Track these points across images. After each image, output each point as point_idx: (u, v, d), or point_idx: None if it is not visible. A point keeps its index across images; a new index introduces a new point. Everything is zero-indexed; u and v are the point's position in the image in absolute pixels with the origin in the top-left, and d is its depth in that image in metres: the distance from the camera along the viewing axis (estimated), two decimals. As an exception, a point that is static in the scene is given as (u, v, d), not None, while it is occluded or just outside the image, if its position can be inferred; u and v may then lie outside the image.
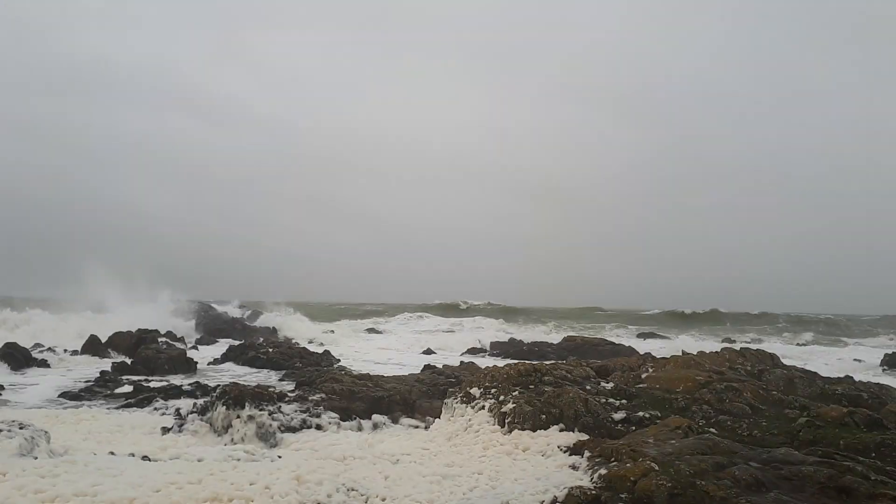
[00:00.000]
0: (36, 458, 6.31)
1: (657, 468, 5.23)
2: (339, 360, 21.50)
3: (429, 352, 26.90)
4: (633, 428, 7.43)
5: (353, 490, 5.54)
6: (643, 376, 9.08)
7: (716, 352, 10.14)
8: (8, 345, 19.11)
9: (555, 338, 32.04)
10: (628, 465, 5.47)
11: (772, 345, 30.85)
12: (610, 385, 8.89)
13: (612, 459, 5.90)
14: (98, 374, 16.99)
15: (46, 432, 7.12)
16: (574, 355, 22.29)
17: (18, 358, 18.56)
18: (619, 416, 7.85)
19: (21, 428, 6.91)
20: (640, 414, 7.78)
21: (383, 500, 5.39)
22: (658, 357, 10.69)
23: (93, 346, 22.17)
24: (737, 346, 10.75)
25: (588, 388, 8.74)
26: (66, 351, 21.94)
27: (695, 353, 10.36)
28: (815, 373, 9.36)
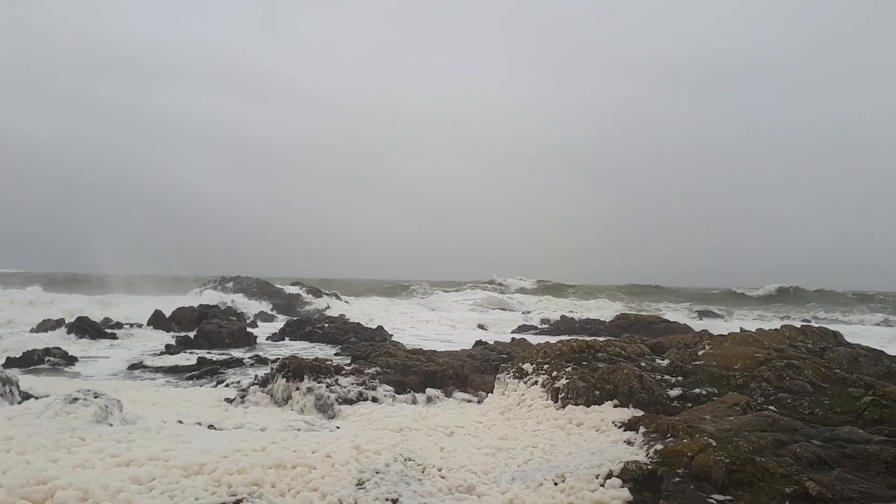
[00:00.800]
0: (111, 425, 6.65)
1: (715, 444, 5.19)
2: (391, 336, 21.84)
3: (480, 327, 27.04)
4: (690, 405, 7.36)
5: (410, 460, 5.67)
6: (699, 353, 8.94)
7: (775, 329, 9.90)
8: (80, 319, 20.10)
9: (607, 315, 31.76)
10: (685, 440, 5.43)
11: (837, 326, 29.86)
12: (665, 362, 8.80)
13: (668, 435, 5.87)
14: (163, 348, 17.73)
15: (119, 401, 7.48)
16: (627, 333, 22.08)
17: (90, 331, 19.51)
18: (674, 392, 7.78)
19: (96, 397, 7.27)
20: (697, 391, 7.69)
21: (440, 469, 5.50)
22: (715, 334, 10.50)
23: (158, 321, 23.10)
24: (797, 324, 10.46)
25: (643, 364, 8.68)
26: (133, 325, 22.91)
27: (753, 330, 10.14)
28: (882, 351, 9.05)
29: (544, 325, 28.30)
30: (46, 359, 14.50)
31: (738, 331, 10.29)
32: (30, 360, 14.21)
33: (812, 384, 7.45)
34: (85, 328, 19.53)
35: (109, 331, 20.49)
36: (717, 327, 23.52)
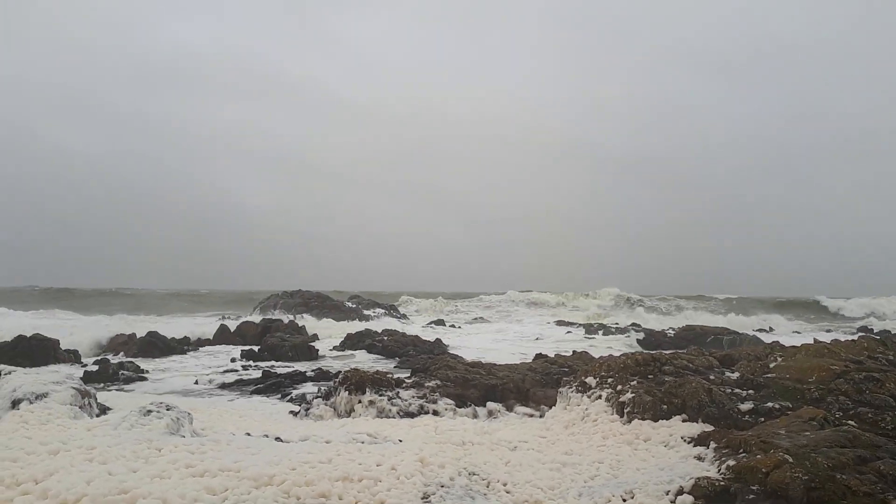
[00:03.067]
0: (183, 436, 6.87)
1: (791, 460, 4.99)
2: (448, 348, 21.87)
3: (538, 339, 26.80)
4: (762, 419, 7.10)
5: (474, 474, 5.65)
6: (771, 365, 8.63)
7: (852, 340, 9.47)
8: (150, 334, 20.86)
9: (665, 323, 31.04)
10: (759, 456, 5.24)
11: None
12: (735, 375, 8.52)
13: (741, 450, 5.68)
14: (229, 361, 18.22)
15: (189, 413, 7.72)
16: (693, 345, 21.49)
17: (159, 346, 20.23)
18: (745, 406, 7.52)
19: (168, 409, 7.53)
20: (770, 405, 7.42)
21: (504, 484, 5.46)
22: (787, 346, 10.12)
23: (223, 336, 23.77)
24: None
25: (711, 377, 8.43)
26: (199, 340, 23.63)
27: (828, 340, 9.73)
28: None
29: (606, 339, 27.83)
30: (120, 373, 15.10)
31: (812, 341, 9.89)
32: (105, 375, 14.82)
33: (895, 398, 7.09)
34: (155, 343, 20.26)
35: (178, 346, 21.18)
36: (787, 338, 22.65)
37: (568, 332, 30.71)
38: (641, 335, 26.55)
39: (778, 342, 13.52)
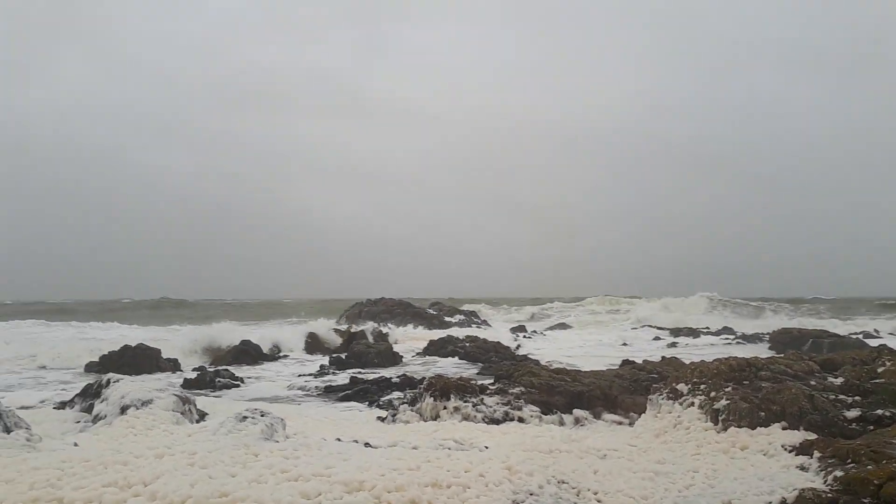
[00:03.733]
0: (277, 441, 7.11)
1: (907, 473, 4.65)
2: (530, 354, 21.69)
3: (624, 345, 26.20)
4: (871, 427, 6.67)
5: (563, 483, 5.57)
6: (879, 370, 8.09)
7: (972, 343, 8.77)
8: (243, 342, 21.75)
9: (759, 327, 29.68)
10: (870, 467, 4.92)
11: None
12: (839, 380, 8.04)
13: (849, 461, 5.35)
14: (318, 368, 18.74)
15: (282, 419, 7.98)
16: (790, 349, 20.45)
17: (252, 354, 21.06)
18: (852, 414, 7.08)
19: (262, 415, 7.81)
20: (879, 412, 6.96)
21: (595, 493, 5.36)
22: (896, 349, 9.48)
23: (312, 344, 24.50)
24: None
25: (812, 383, 7.99)
26: (290, 349, 24.43)
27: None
28: None
29: (697, 343, 26.89)
30: (217, 380, 15.79)
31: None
32: (202, 381, 15.55)
33: None
34: (247, 351, 21.11)
35: (268, 353, 21.98)
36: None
37: (656, 337, 29.82)
38: (734, 339, 25.48)
39: (886, 345, 12.67)
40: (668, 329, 33.83)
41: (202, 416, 9.55)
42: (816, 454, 5.85)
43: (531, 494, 5.16)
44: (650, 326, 36.37)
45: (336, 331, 25.97)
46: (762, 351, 22.05)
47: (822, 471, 5.41)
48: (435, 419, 9.88)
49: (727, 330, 31.79)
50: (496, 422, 9.58)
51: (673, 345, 26.22)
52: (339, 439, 7.83)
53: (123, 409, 8.64)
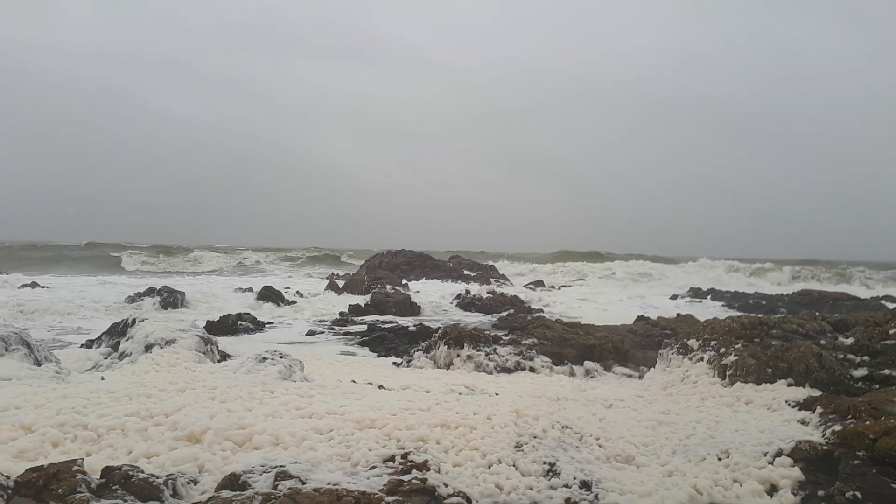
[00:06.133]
0: (294, 381, 7.38)
1: (904, 428, 4.75)
2: (546, 308, 21.88)
3: (641, 301, 26.23)
4: (877, 387, 6.74)
5: (567, 428, 5.76)
6: (891, 332, 8.11)
7: None
8: (266, 288, 22.19)
9: (782, 290, 29.48)
10: (867, 422, 5.02)
11: None
12: (850, 340, 8.08)
13: (849, 416, 5.45)
14: (338, 315, 19.11)
15: (300, 361, 8.26)
16: (808, 309, 20.40)
17: (273, 298, 21.50)
18: (859, 373, 7.15)
19: (281, 357, 8.09)
20: (886, 372, 7.02)
21: (597, 438, 5.53)
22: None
23: (332, 291, 24.89)
24: None
25: (822, 342, 8.05)
26: (310, 294, 24.87)
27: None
28: None
29: (715, 301, 26.84)
30: (239, 323, 16.21)
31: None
32: (225, 325, 15.97)
33: None
34: (270, 296, 21.55)
35: (290, 298, 22.42)
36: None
37: (674, 296, 29.79)
38: (752, 299, 25.41)
39: (904, 308, 12.61)
40: (690, 288, 33.72)
41: (224, 356, 9.88)
42: (818, 409, 5.94)
43: (535, 437, 5.35)
44: (670, 285, 36.25)
45: (357, 279, 26.31)
46: (778, 312, 21.98)
47: (821, 425, 5.51)
48: (448, 367, 10.13)
49: (743, 294, 31.54)
50: (507, 371, 9.81)
51: (690, 303, 26.21)
52: (353, 381, 8.09)
53: (148, 348, 8.98)
